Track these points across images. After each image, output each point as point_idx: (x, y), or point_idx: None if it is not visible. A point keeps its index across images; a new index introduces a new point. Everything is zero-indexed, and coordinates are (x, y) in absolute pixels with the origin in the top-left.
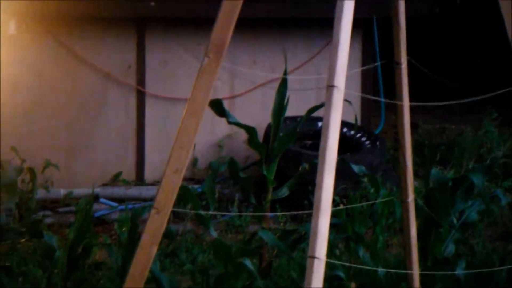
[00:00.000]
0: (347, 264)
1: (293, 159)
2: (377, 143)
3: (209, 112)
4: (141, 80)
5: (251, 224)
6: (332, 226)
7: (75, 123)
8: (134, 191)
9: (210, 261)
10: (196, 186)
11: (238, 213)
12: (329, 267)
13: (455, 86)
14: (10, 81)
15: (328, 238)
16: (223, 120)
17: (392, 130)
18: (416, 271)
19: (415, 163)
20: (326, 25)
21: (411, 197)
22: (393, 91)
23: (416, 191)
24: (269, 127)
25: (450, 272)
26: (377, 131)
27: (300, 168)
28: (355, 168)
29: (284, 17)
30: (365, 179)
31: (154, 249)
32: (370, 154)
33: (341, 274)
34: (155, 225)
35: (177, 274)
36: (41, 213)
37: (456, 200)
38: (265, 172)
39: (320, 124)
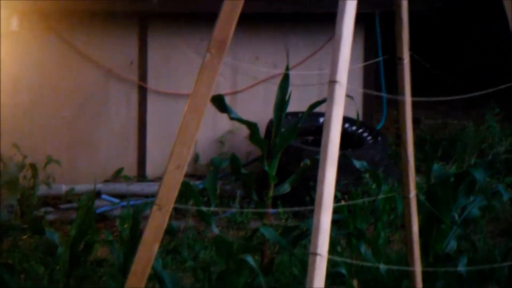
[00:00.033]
0: (349, 260)
1: (294, 155)
2: (379, 138)
3: (210, 108)
4: (143, 76)
5: (252, 221)
6: (334, 222)
7: (77, 119)
8: (135, 187)
9: (212, 257)
10: (197, 182)
11: (239, 210)
12: (330, 263)
13: (457, 81)
14: (12, 78)
15: (330, 235)
16: (224, 116)
17: (394, 125)
18: (418, 268)
19: (416, 159)
20: (328, 21)
21: (412, 193)
22: (395, 87)
23: (418, 186)
24: (270, 122)
25: (452, 268)
26: (378, 127)
27: (302, 164)
28: (357, 163)
29: (287, 13)
30: (367, 175)
31: (156, 246)
32: (371, 150)
33: (343, 270)
34: (157, 222)
35: (179, 270)
36: (42, 210)
37: (458, 196)
38: (266, 168)
39: (321, 119)
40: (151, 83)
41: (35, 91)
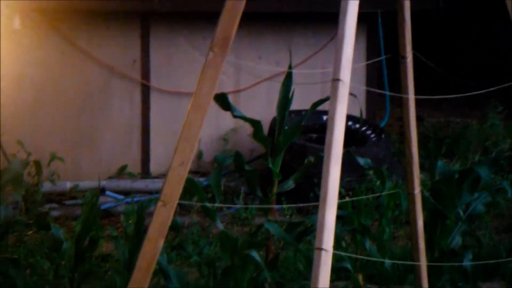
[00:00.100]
0: (354, 255)
1: (298, 152)
2: (382, 136)
3: (214, 106)
4: (146, 74)
5: (257, 217)
6: (338, 218)
7: (81, 117)
8: (140, 184)
9: (217, 253)
10: (201, 179)
11: (244, 206)
12: (335, 258)
13: (460, 80)
14: (15, 76)
15: (335, 230)
16: (228, 114)
17: (397, 123)
18: (423, 263)
19: (420, 156)
20: (331, 20)
21: (417, 189)
22: (397, 85)
23: (422, 183)
24: (274, 120)
25: (457, 264)
26: (382, 124)
27: (306, 161)
28: (361, 160)
29: (290, 12)
30: (371, 172)
31: (161, 242)
32: (375, 147)
33: (348, 265)
34: (161, 218)
35: (184, 266)
36: (47, 206)
37: (462, 193)
38: (270, 165)
39: (325, 117)
40: (154, 82)
41: (38, 89)
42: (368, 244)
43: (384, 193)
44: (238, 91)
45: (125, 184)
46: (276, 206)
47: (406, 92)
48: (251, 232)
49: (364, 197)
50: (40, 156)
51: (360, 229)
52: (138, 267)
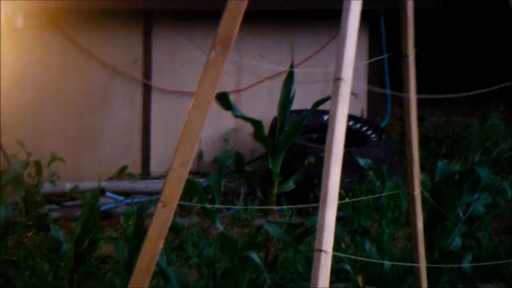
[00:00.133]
0: (353, 257)
1: (299, 152)
2: (383, 136)
3: (215, 106)
4: (147, 74)
5: (257, 218)
6: (338, 219)
7: (82, 117)
8: (140, 185)
9: (216, 254)
10: (201, 180)
11: (244, 207)
12: (335, 260)
13: (462, 79)
14: (17, 75)
15: (334, 232)
16: (228, 114)
17: (398, 123)
18: (423, 264)
19: (421, 156)
20: (333, 18)
21: (417, 190)
22: (399, 85)
23: (422, 184)
24: (275, 120)
25: (456, 265)
26: (383, 124)
27: (306, 162)
28: (361, 161)
29: (291, 10)
30: (371, 173)
31: (161, 243)
32: (376, 147)
33: (348, 267)
34: (161, 219)
35: (184, 267)
36: (47, 207)
37: (462, 193)
38: (270, 166)
39: (326, 117)
40: (155, 81)
41: (40, 89)
42: (367, 245)
43: (384, 194)
44: (239, 90)
45: (125, 185)
46: (276, 207)
47: (408, 92)
48: (251, 233)
49: (364, 198)
50: (40, 156)
51: (360, 231)
52: (138, 268)
